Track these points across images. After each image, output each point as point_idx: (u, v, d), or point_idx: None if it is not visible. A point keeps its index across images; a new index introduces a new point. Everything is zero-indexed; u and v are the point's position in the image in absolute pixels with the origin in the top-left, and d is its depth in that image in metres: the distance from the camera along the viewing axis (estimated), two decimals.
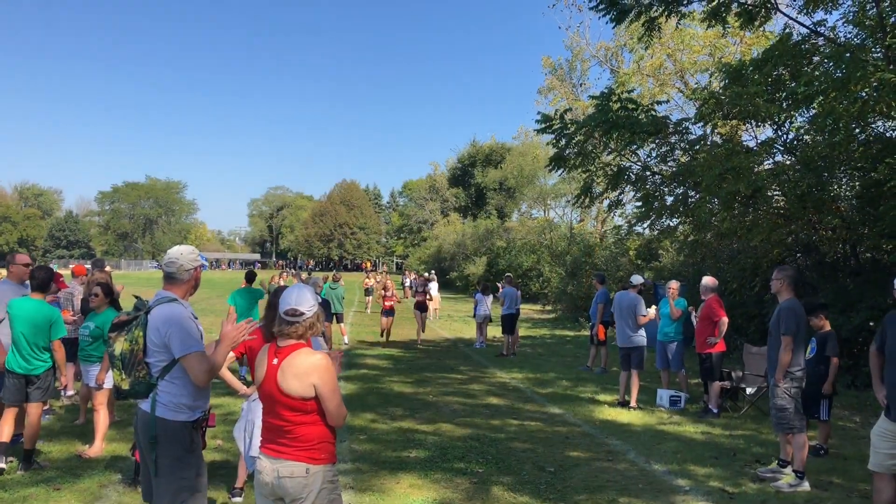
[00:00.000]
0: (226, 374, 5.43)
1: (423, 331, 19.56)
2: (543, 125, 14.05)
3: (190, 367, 3.92)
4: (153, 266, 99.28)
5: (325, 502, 3.52)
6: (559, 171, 15.68)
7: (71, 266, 14.39)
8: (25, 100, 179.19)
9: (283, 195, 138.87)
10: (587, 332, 18.36)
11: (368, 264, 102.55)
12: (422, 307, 19.62)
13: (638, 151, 14.67)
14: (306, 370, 3.46)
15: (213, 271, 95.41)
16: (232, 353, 5.44)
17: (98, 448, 7.25)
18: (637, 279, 11.32)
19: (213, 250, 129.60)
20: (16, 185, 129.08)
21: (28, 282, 7.23)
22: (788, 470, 6.73)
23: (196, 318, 4.11)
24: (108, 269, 11.46)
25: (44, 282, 6.98)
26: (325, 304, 10.65)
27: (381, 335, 18.75)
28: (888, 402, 5.26)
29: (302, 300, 3.57)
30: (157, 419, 3.94)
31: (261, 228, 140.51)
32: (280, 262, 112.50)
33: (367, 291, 31.39)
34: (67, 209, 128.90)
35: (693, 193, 13.66)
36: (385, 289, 18.92)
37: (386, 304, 18.53)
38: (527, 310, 30.45)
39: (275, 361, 3.53)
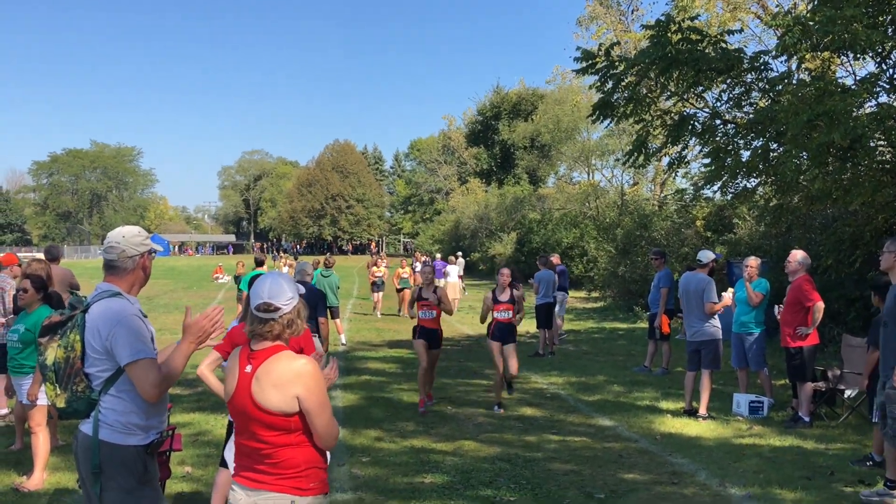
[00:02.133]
0: (208, 377, 5.42)
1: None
2: (584, 64, 13.94)
3: (136, 378, 3.87)
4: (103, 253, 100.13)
5: None
6: (605, 122, 15.57)
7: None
8: None
9: (261, 161, 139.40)
10: (644, 324, 18.32)
11: (374, 245, 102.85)
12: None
13: (705, 95, 14.51)
14: (288, 379, 3.44)
15: (178, 257, 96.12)
16: (217, 353, 5.45)
17: (38, 480, 7.32)
18: (707, 255, 11.23)
19: (176, 231, 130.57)
20: None
21: None
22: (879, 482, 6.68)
23: (145, 317, 4.08)
24: (40, 256, 11.52)
25: None
26: (318, 296, 10.64)
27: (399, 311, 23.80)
28: None
29: (277, 292, 3.54)
30: (102, 443, 3.92)
31: (235, 203, 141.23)
32: (259, 244, 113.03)
33: (376, 285, 26.98)
34: None
35: (775, 146, 13.52)
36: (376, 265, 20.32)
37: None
38: (569, 297, 30.41)
39: (248, 369, 3.51)
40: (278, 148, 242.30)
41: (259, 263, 15.59)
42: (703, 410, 10.32)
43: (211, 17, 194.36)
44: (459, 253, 39.32)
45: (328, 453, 4.33)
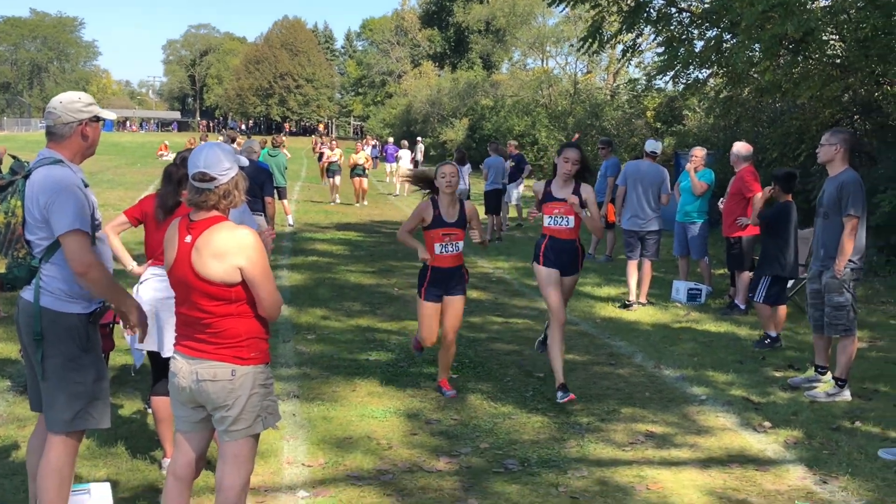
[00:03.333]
0: (114, 243, 5.31)
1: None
2: None
3: (68, 250, 3.80)
4: (43, 125, 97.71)
5: (257, 410, 3.60)
6: (560, 8, 15.39)
7: None
8: None
9: (207, 36, 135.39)
10: None
11: (322, 126, 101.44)
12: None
13: None
14: (228, 248, 3.45)
15: (122, 133, 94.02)
16: (125, 217, 5.33)
17: None
18: (657, 145, 11.29)
19: (120, 106, 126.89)
20: None
21: None
22: (827, 377, 6.98)
23: (87, 187, 4.00)
24: None
25: None
26: (264, 175, 10.54)
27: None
28: None
29: (213, 161, 3.50)
30: (43, 310, 3.89)
31: (180, 79, 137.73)
32: (205, 121, 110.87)
33: (331, 171, 25.10)
34: None
35: (729, 37, 13.51)
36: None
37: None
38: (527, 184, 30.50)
39: (188, 239, 3.50)
40: (226, 23, 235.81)
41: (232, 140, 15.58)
42: (643, 297, 10.56)
43: None
44: (419, 138, 39.03)
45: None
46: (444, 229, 6.57)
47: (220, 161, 3.51)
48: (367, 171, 24.48)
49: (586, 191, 6.82)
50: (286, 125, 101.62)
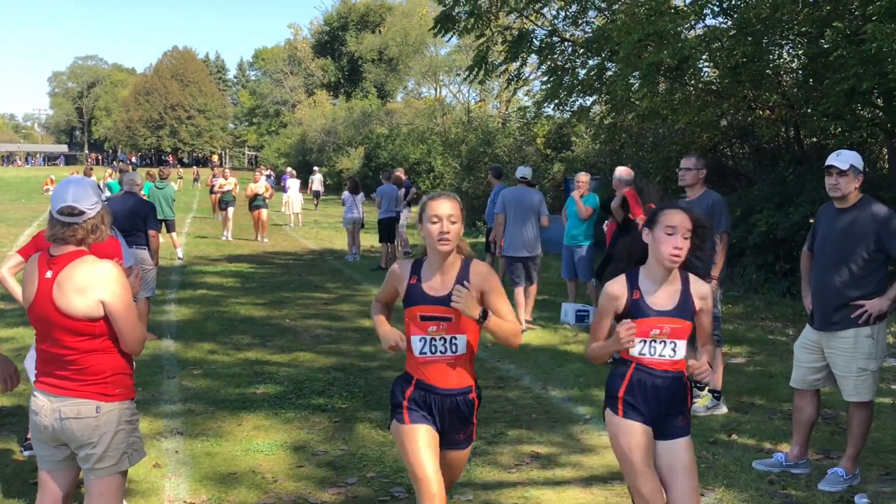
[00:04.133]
0: (8, 281, 5.21)
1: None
2: None
3: None
4: None
5: (123, 447, 3.56)
6: (448, 37, 15.63)
7: None
8: None
9: (94, 67, 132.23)
10: (484, 239, 18.72)
11: (216, 157, 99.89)
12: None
13: (544, 11, 14.72)
14: (91, 282, 3.41)
15: (6, 168, 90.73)
16: (19, 257, 5.24)
17: None
18: (525, 170, 11.49)
19: (4, 140, 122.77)
20: None
21: None
22: (704, 392, 7.21)
23: None
24: None
25: None
26: (148, 208, 10.31)
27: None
28: (812, 307, 5.67)
29: (81, 195, 3.47)
30: None
31: (67, 111, 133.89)
32: (94, 154, 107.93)
33: (224, 202, 23.02)
34: None
35: (610, 65, 13.92)
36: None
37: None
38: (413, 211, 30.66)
39: (48, 275, 3.46)
40: (113, 54, 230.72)
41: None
42: (528, 316, 10.73)
43: None
44: (316, 168, 38.84)
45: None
46: (424, 308, 3.88)
47: (89, 195, 3.49)
48: (266, 202, 22.33)
49: (702, 291, 3.93)
50: (170, 157, 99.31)
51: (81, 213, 3.45)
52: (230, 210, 22.63)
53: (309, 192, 36.55)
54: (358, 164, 45.37)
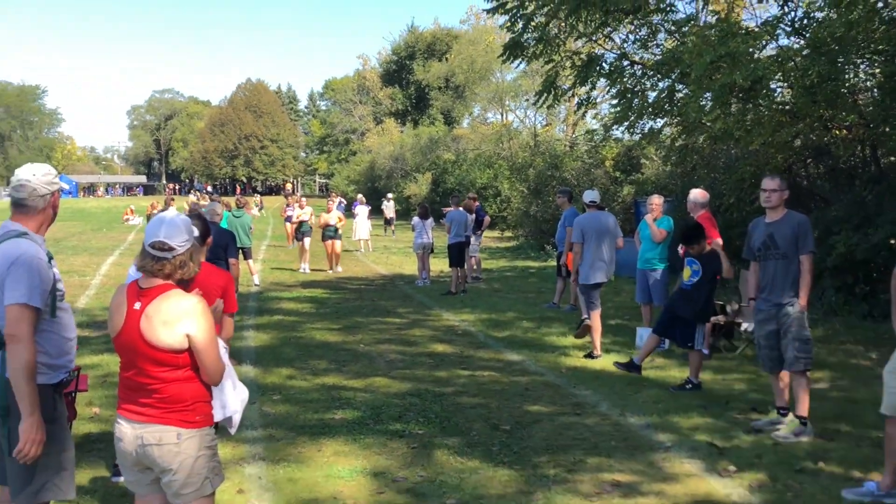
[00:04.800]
0: None
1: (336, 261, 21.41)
2: (495, 4, 13.88)
3: (9, 320, 3.80)
4: (7, 195, 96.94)
5: (205, 472, 3.60)
6: (516, 63, 15.62)
7: None
8: None
9: (171, 101, 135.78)
10: (554, 262, 18.59)
11: (289, 185, 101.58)
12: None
13: (613, 35, 14.62)
14: (177, 316, 3.48)
15: (87, 199, 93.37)
16: None
17: None
18: (592, 194, 11.35)
19: (85, 172, 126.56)
20: None
21: None
22: (789, 417, 6.99)
23: (51, 260, 4.01)
24: None
25: None
26: (228, 237, 10.47)
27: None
28: None
29: (173, 232, 3.55)
30: (8, 383, 3.87)
31: (145, 143, 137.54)
32: (172, 184, 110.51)
33: (301, 232, 22.03)
34: None
35: (681, 87, 13.74)
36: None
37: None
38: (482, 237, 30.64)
39: (137, 306, 3.53)
40: (190, 87, 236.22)
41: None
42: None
43: None
44: (389, 195, 39.11)
45: (245, 392, 4.37)
46: None
47: (180, 232, 3.57)
48: (339, 233, 21.62)
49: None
50: (238, 189, 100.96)
51: (171, 248, 3.53)
52: (307, 241, 21.63)
53: (383, 218, 36.80)
54: (425, 189, 45.58)
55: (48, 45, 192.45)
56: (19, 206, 4.04)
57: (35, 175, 4.05)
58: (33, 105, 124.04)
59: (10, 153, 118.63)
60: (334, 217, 21.16)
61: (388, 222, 37.09)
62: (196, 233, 3.74)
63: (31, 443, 3.77)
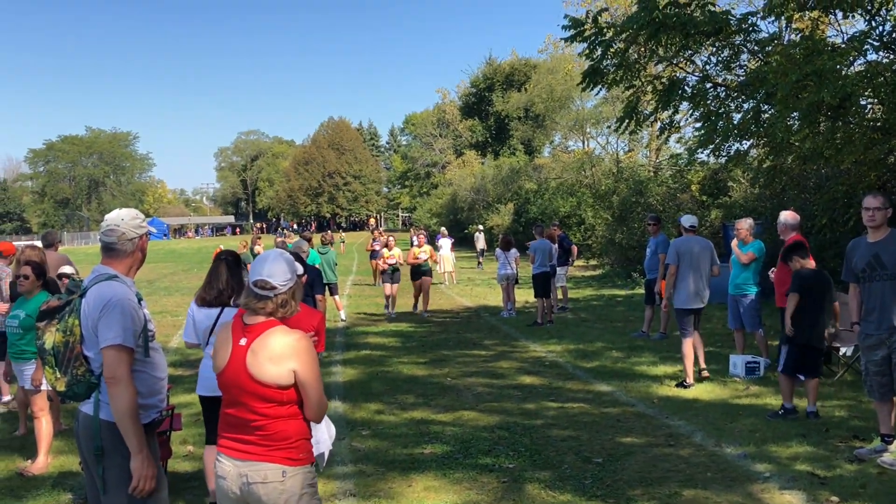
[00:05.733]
0: None
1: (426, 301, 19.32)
2: (573, 32, 13.85)
3: (107, 362, 3.91)
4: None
5: None
6: (596, 90, 15.53)
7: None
8: None
9: (257, 141, 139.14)
10: (642, 290, 18.36)
11: (372, 220, 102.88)
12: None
13: (694, 58, 14.44)
14: (283, 352, 3.52)
15: (178, 240, 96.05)
16: None
17: (42, 464, 7.38)
18: (691, 219, 11.23)
19: (175, 214, 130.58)
20: None
21: None
22: (895, 446, 6.74)
23: (141, 301, 4.12)
24: (39, 244, 11.55)
25: None
26: (314, 273, 10.67)
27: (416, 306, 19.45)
28: None
29: (276, 271, 3.63)
30: (103, 424, 3.98)
31: (233, 184, 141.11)
32: (258, 224, 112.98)
33: (387, 274, 19.15)
34: None
35: (766, 107, 13.48)
36: (388, 246, 19.37)
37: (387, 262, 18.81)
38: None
39: (242, 342, 3.58)
40: (274, 128, 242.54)
41: (308, 240, 15.98)
42: (703, 365, 10.41)
43: (200, 1, 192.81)
44: (480, 226, 39.30)
45: (333, 428, 4.42)
46: None
47: (283, 271, 3.65)
48: (431, 269, 19.82)
49: None
50: (312, 225, 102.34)
51: (273, 287, 3.60)
52: (395, 286, 19.19)
53: (474, 251, 36.94)
54: (508, 220, 45.56)
55: (139, 93, 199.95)
56: (109, 250, 4.18)
57: (123, 219, 4.18)
58: (125, 151, 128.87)
59: (104, 198, 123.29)
60: (425, 252, 19.64)
61: (480, 254, 37.18)
62: (300, 271, 3.79)
63: (145, 479, 3.88)
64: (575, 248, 19.63)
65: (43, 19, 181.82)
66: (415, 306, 19.52)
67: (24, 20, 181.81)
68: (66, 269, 9.80)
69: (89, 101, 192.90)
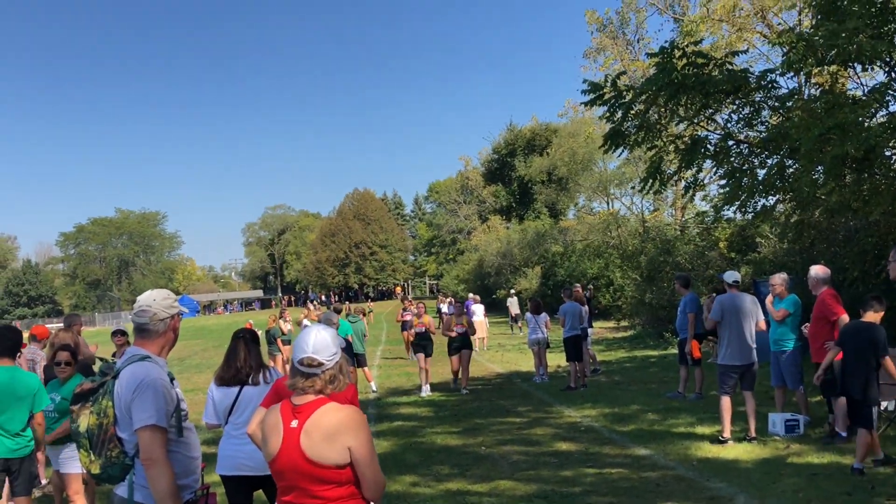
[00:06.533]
0: (257, 436, 5.36)
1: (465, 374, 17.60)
2: (592, 96, 14.03)
3: (143, 443, 3.92)
4: (131, 319, 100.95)
5: None
6: (618, 151, 15.64)
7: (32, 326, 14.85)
8: None
9: (283, 216, 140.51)
10: (675, 350, 18.21)
11: (399, 289, 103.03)
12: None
13: (715, 116, 14.53)
14: (338, 429, 3.42)
15: (208, 317, 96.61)
16: (265, 410, 5.42)
17: None
18: (733, 275, 11.17)
19: (205, 291, 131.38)
20: None
21: None
22: None
23: (173, 381, 4.15)
24: (75, 326, 11.69)
25: (16, 344, 7.23)
26: (343, 345, 10.67)
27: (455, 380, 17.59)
28: None
29: (321, 346, 3.53)
30: None
31: (260, 259, 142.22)
32: (286, 297, 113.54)
33: (420, 345, 17.70)
34: (25, 258, 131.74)
35: (790, 162, 13.50)
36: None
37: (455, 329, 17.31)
38: (598, 328, 30.30)
39: (293, 424, 3.47)
40: (300, 201, 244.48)
41: (337, 312, 15.90)
42: (753, 432, 10.21)
43: (225, 78, 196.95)
44: (513, 290, 39.24)
45: None
46: None
47: (328, 346, 3.55)
48: (472, 343, 18.31)
49: None
50: (332, 297, 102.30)
51: (320, 364, 3.51)
52: (429, 360, 17.74)
53: (512, 317, 36.89)
54: (536, 283, 45.55)
55: (167, 173, 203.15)
56: (142, 331, 4.23)
57: (155, 300, 4.24)
58: (154, 231, 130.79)
59: (135, 277, 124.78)
60: (467, 321, 17.90)
61: (514, 319, 37.03)
62: (344, 344, 3.73)
63: None
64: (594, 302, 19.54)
65: (68, 108, 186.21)
66: (454, 381, 17.74)
67: (50, 109, 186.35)
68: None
69: (119, 182, 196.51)
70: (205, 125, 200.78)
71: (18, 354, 9.29)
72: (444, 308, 39.13)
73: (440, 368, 20.65)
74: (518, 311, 36.74)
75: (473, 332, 16.77)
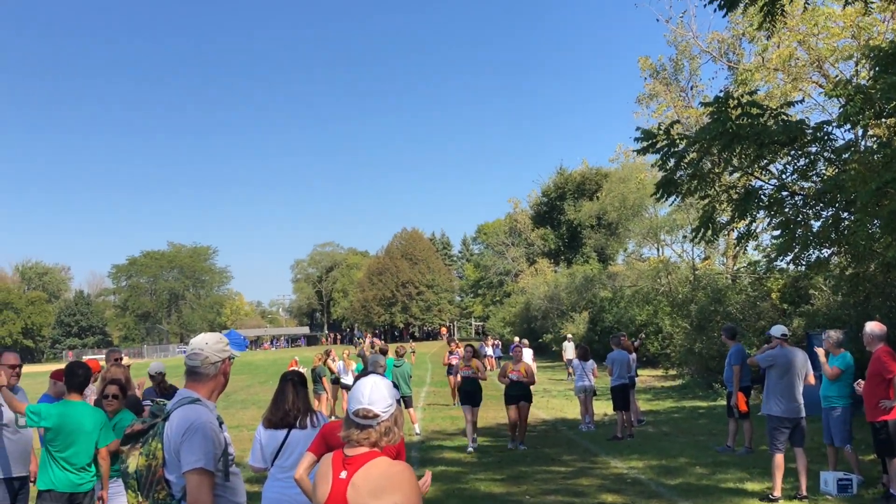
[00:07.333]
0: (306, 482, 5.23)
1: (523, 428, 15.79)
2: (645, 144, 14.00)
3: (190, 487, 3.95)
4: (181, 350, 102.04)
5: None
6: (670, 200, 15.56)
7: (84, 359, 15.11)
8: (19, 166, 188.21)
9: (332, 253, 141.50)
10: (724, 402, 17.95)
11: (445, 330, 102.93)
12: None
13: (770, 167, 14.42)
14: (386, 485, 3.37)
15: (255, 352, 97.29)
16: (313, 456, 5.36)
17: None
18: (781, 329, 11.05)
19: (252, 326, 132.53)
20: (16, 265, 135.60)
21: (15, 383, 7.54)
22: None
23: (222, 424, 4.20)
24: (125, 360, 11.87)
25: (86, 379, 7.45)
26: None
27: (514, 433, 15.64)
28: None
29: (377, 398, 3.50)
30: None
31: (308, 295, 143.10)
32: (333, 334, 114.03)
33: (467, 393, 15.81)
34: (77, 289, 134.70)
35: (846, 215, 13.34)
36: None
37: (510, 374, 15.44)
38: (645, 376, 29.94)
39: (342, 475, 3.46)
40: (349, 239, 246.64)
41: (384, 353, 16.01)
42: (804, 490, 10.03)
43: (280, 120, 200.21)
44: (569, 335, 39.08)
45: None
46: None
47: (384, 397, 3.51)
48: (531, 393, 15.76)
49: None
50: (367, 337, 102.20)
51: (376, 415, 3.48)
52: (476, 410, 15.82)
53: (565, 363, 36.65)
54: (583, 328, 45.21)
55: (220, 209, 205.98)
56: (193, 374, 4.28)
57: (207, 343, 4.29)
58: (205, 265, 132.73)
59: (184, 311, 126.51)
60: (522, 368, 15.62)
61: (569, 364, 36.74)
62: (398, 395, 3.65)
63: None
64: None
65: (128, 144, 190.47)
66: (512, 438, 15.73)
67: (109, 143, 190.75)
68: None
69: (172, 216, 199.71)
70: (259, 163, 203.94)
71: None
72: (489, 351, 38.96)
73: (487, 413, 20.44)
74: (573, 356, 36.47)
75: (533, 382, 15.41)
